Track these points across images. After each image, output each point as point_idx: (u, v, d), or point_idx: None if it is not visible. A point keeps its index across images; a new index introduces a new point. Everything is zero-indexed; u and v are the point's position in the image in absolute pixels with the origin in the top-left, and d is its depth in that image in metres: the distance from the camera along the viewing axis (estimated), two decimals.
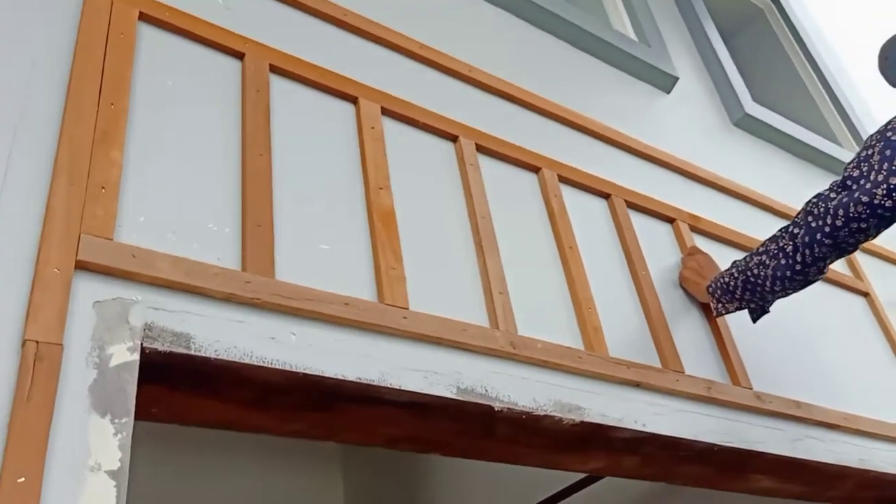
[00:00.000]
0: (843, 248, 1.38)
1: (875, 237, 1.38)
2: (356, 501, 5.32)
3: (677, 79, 2.44)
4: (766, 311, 1.62)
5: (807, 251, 1.39)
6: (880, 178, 1.27)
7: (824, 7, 4.02)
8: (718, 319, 1.76)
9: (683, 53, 2.72)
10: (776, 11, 3.76)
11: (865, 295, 2.32)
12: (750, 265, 1.52)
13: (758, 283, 1.50)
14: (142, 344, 0.96)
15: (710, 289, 1.65)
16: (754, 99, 2.75)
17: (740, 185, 2.29)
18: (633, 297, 1.68)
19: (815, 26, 3.86)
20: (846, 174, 1.35)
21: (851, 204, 1.30)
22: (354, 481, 5.47)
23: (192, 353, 1.00)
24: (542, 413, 1.33)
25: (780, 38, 3.65)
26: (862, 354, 2.10)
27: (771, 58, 3.56)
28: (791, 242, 1.41)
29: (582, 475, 3.43)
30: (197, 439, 4.90)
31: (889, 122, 1.33)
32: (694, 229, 1.99)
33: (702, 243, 2.00)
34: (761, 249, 1.50)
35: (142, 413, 1.07)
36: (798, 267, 1.41)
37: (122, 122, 1.12)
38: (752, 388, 1.69)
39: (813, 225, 1.37)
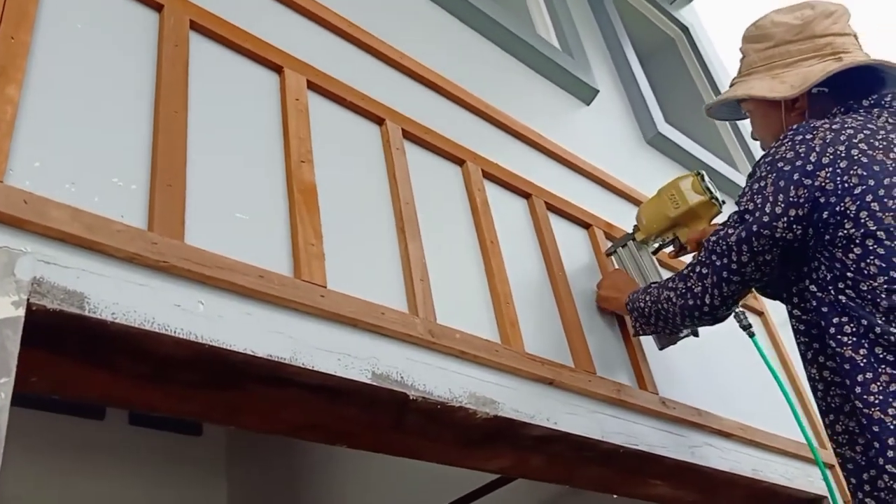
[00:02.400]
0: (748, 283, 1.34)
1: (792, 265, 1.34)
2: (240, 501, 5.17)
3: (598, 91, 2.48)
4: (674, 342, 1.67)
5: (715, 291, 1.35)
6: (778, 210, 1.24)
7: (727, 41, 4.23)
8: (627, 321, 1.78)
9: (603, 69, 2.77)
10: (686, 42, 3.91)
11: (760, 314, 2.41)
12: (661, 298, 1.48)
13: (668, 317, 1.48)
14: (28, 300, 0.86)
15: (629, 306, 1.62)
16: (666, 120, 2.83)
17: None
18: (549, 296, 1.67)
19: (719, 58, 4.04)
20: (742, 208, 1.32)
21: (753, 238, 1.27)
22: (238, 481, 5.31)
23: (86, 313, 0.90)
24: (457, 405, 1.29)
25: (688, 66, 3.79)
26: (757, 370, 2.16)
27: (680, 83, 3.70)
28: (700, 283, 1.37)
29: (468, 490, 3.42)
30: (74, 438, 4.61)
31: (776, 151, 1.29)
32: (609, 237, 2.01)
33: None
34: (671, 285, 1.46)
35: (19, 382, 0.96)
36: (706, 308, 1.38)
37: (22, 59, 1.01)
38: (658, 394, 1.71)
39: (718, 264, 1.33)
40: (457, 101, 1.84)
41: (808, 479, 2.02)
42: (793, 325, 1.36)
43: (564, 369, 1.53)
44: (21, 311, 0.84)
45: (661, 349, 1.75)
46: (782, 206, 1.24)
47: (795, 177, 1.23)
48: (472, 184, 1.66)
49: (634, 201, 2.25)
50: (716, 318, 1.42)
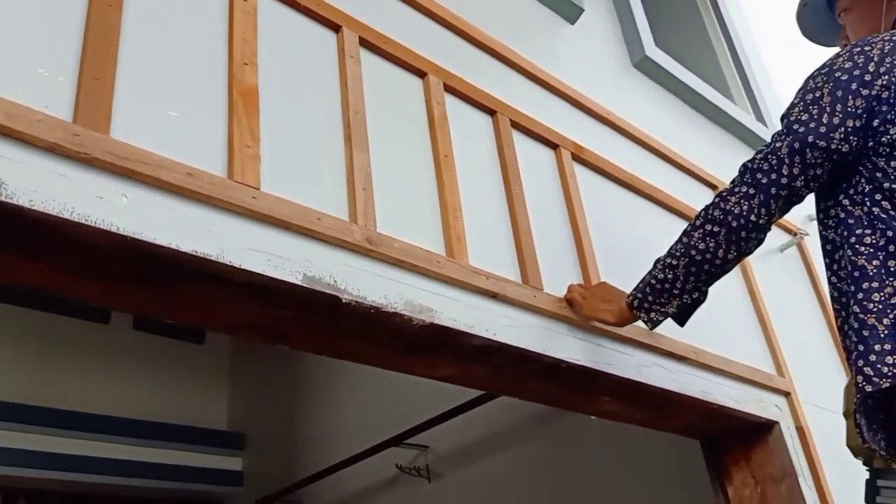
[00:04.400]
0: (793, 200, 1.28)
1: (830, 184, 1.29)
2: (240, 407, 5.40)
3: (582, 10, 2.43)
4: (701, 303, 1.50)
5: (762, 210, 1.27)
6: (836, 120, 1.20)
7: None
8: (584, 242, 1.80)
9: None
10: None
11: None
12: (691, 244, 1.36)
13: (706, 260, 1.34)
14: None
15: (636, 302, 1.47)
16: (657, 44, 2.77)
17: (630, 124, 2.32)
18: (503, 213, 1.69)
19: None
20: (792, 118, 1.26)
21: (808, 149, 1.21)
22: (239, 389, 5.55)
23: (3, 199, 0.93)
24: (392, 310, 1.32)
25: None
26: (721, 294, 2.18)
27: (682, 8, 3.60)
28: (746, 202, 1.28)
29: (475, 394, 3.50)
30: (78, 339, 4.79)
31: (833, 62, 1.25)
32: (576, 158, 2.01)
33: (583, 174, 2.01)
34: (698, 223, 1.35)
35: None
36: (751, 226, 1.29)
37: None
38: None
39: (764, 181, 1.26)
40: (424, 12, 1.81)
41: (760, 404, 2.06)
42: (821, 245, 1.34)
43: (510, 283, 1.55)
44: None
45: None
46: (840, 116, 1.20)
47: (853, 86, 1.21)
48: (431, 96, 1.66)
49: (609, 124, 2.24)
50: (760, 238, 1.33)
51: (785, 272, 2.61)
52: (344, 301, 1.26)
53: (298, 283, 1.21)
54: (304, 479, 4.54)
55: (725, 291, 2.25)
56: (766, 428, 2.09)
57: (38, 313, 4.72)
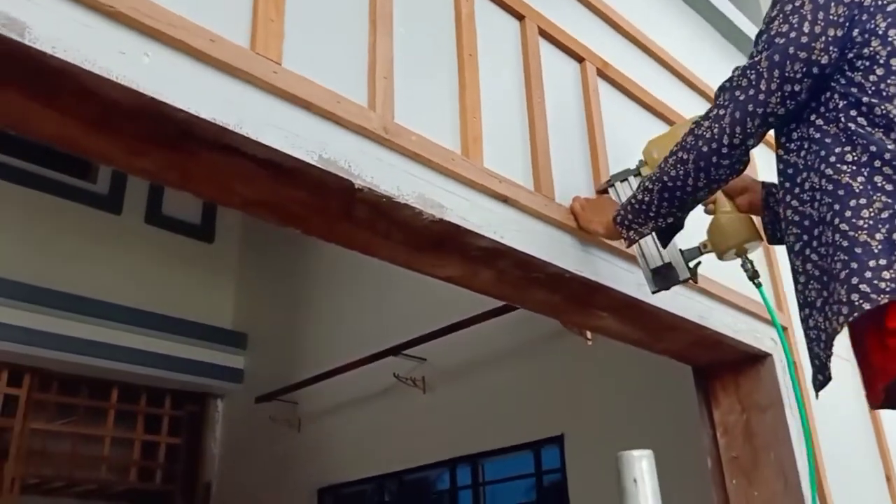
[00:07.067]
0: (769, 121, 1.22)
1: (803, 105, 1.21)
2: (245, 307, 5.51)
3: None
4: (678, 228, 1.48)
5: (736, 129, 1.23)
6: (818, 29, 1.15)
7: None
8: (600, 159, 1.79)
9: None
10: None
11: None
12: (665, 169, 1.34)
13: (676, 187, 1.33)
14: None
15: (619, 218, 1.47)
16: None
17: (660, 47, 2.27)
18: (522, 119, 1.67)
19: None
20: (773, 32, 1.19)
21: (788, 62, 1.16)
22: (245, 290, 5.65)
23: (27, 42, 0.93)
24: (403, 202, 1.33)
25: None
26: None
27: None
28: (717, 124, 1.25)
29: (474, 312, 3.55)
30: (90, 227, 4.87)
31: None
32: (601, 74, 1.98)
33: (606, 91, 1.99)
34: (675, 149, 1.33)
35: None
36: (725, 150, 1.25)
37: None
38: None
39: (741, 98, 1.21)
40: None
41: (755, 335, 2.09)
42: (778, 171, 1.29)
43: (522, 190, 1.56)
44: None
45: (654, 292, 1.62)
46: (822, 24, 1.16)
47: None
48: None
49: (639, 45, 2.19)
50: (734, 165, 1.28)
51: None
52: (357, 186, 1.27)
53: (313, 163, 1.21)
54: (303, 381, 4.66)
55: None
56: (758, 359, 2.12)
57: (50, 197, 4.76)
